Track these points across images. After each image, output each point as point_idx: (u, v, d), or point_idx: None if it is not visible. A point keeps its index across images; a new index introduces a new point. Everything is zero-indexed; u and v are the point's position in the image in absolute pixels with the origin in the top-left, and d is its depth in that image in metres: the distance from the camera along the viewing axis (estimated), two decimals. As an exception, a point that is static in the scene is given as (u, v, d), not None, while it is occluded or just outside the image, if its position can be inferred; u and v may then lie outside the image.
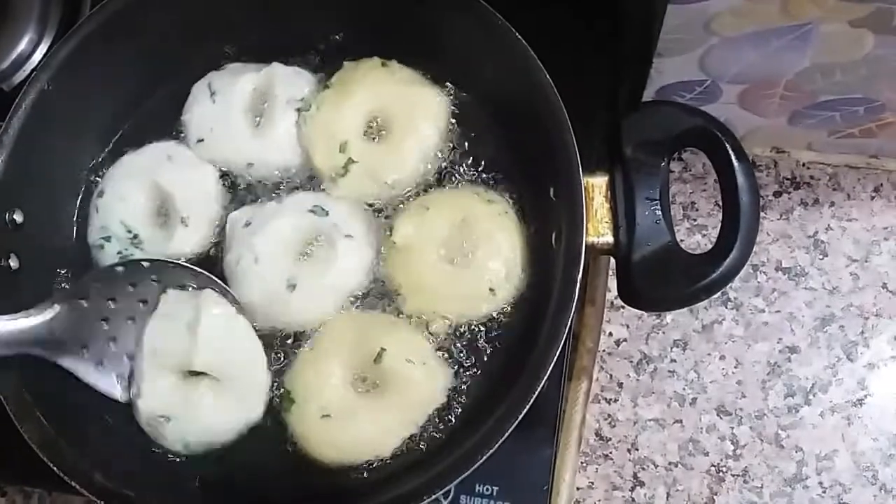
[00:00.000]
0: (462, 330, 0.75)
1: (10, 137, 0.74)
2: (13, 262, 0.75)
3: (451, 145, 0.80)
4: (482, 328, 0.75)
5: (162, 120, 0.82)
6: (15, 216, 0.75)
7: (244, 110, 0.80)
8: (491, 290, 0.73)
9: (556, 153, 0.69)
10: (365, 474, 0.72)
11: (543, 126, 0.70)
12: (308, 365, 0.74)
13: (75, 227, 0.81)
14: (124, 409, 0.75)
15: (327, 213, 0.76)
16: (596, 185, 0.69)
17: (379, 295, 0.77)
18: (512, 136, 0.77)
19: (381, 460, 0.72)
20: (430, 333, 0.75)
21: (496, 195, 0.77)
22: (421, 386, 0.72)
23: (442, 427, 0.73)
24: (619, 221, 0.68)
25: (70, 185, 0.81)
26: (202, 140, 0.80)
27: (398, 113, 0.78)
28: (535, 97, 0.70)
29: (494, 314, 0.75)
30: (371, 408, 0.72)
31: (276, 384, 0.75)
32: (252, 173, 0.80)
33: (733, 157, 0.65)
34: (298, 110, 0.80)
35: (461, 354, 0.75)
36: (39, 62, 0.79)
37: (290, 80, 0.80)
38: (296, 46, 0.83)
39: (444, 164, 0.79)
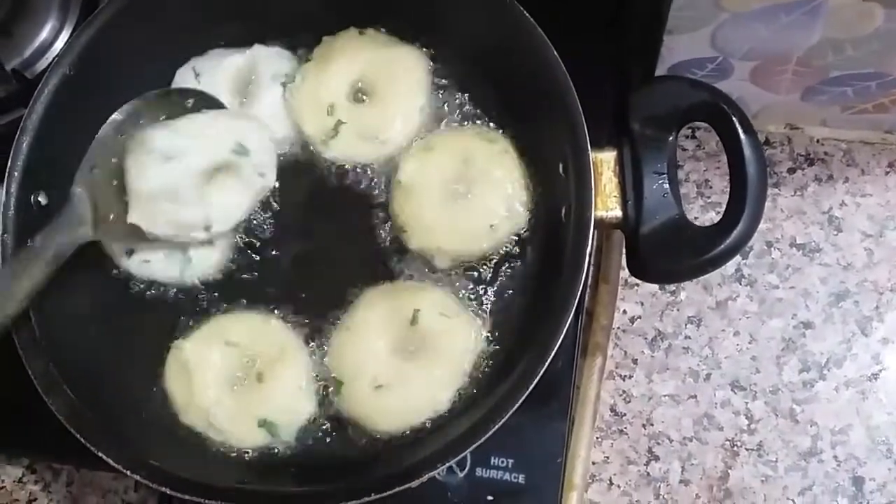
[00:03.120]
0: (472, 297, 0.77)
1: (34, 122, 0.76)
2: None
3: (459, 114, 0.81)
4: (492, 299, 0.77)
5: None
6: (40, 198, 0.77)
7: (229, 89, 0.82)
8: (491, 226, 0.75)
9: (565, 130, 0.69)
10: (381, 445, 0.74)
11: (552, 104, 0.70)
12: (348, 344, 0.76)
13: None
14: (149, 383, 0.77)
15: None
16: (604, 161, 0.70)
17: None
18: (520, 114, 0.78)
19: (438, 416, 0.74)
20: (438, 272, 0.77)
21: (498, 134, 0.78)
22: (461, 334, 0.74)
23: (455, 399, 0.74)
24: (628, 196, 0.69)
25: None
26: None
27: (379, 74, 0.81)
28: (543, 75, 0.71)
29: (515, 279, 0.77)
30: (420, 368, 0.74)
31: (317, 375, 0.76)
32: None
33: (740, 130, 0.66)
34: (283, 84, 0.82)
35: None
36: (61, 50, 0.81)
37: (272, 59, 0.83)
38: (276, 32, 0.85)
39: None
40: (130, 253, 0.79)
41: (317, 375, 0.76)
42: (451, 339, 0.74)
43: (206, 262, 0.79)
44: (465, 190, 0.76)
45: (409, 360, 0.74)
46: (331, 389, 0.75)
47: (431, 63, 0.82)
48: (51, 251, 0.71)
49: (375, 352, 0.74)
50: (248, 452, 0.75)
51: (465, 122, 0.81)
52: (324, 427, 0.76)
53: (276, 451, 0.75)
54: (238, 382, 0.76)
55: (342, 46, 0.82)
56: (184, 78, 0.83)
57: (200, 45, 0.84)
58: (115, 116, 0.78)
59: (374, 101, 0.81)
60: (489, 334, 0.76)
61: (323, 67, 0.81)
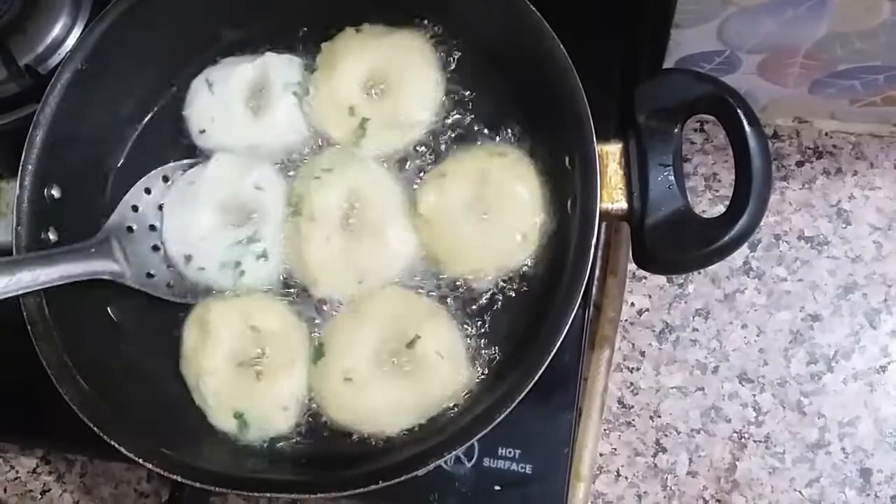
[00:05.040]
0: (478, 295, 0.77)
1: (47, 116, 0.77)
2: (52, 236, 0.78)
3: (469, 113, 0.82)
4: (500, 296, 0.77)
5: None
6: (53, 191, 0.78)
7: (242, 98, 0.83)
8: (522, 236, 0.75)
9: (571, 124, 0.70)
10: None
11: (557, 96, 0.71)
12: (346, 326, 0.77)
13: (110, 202, 0.84)
14: (160, 371, 0.79)
15: None
16: (610, 153, 0.71)
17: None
18: (526, 107, 0.79)
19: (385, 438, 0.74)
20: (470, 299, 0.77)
21: (507, 147, 0.79)
22: (444, 382, 0.74)
23: (405, 432, 0.75)
24: (633, 187, 0.69)
25: (106, 160, 0.84)
26: (204, 131, 0.83)
27: (387, 63, 0.82)
28: (549, 68, 0.71)
29: (521, 271, 0.77)
30: (390, 385, 0.74)
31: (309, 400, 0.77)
32: (256, 156, 0.82)
33: (745, 122, 0.66)
34: (295, 94, 0.82)
35: (478, 320, 0.77)
36: (73, 46, 0.82)
37: (284, 67, 0.83)
38: (278, 38, 0.86)
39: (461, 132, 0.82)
40: (188, 259, 0.80)
41: (309, 400, 0.77)
42: (433, 380, 0.74)
43: (259, 273, 0.80)
44: (489, 208, 0.76)
45: (386, 372, 0.75)
46: (310, 418, 0.76)
47: (432, 38, 0.83)
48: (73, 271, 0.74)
49: (363, 346, 0.75)
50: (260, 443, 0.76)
51: (472, 119, 0.81)
52: (312, 440, 0.76)
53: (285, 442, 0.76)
54: (241, 365, 0.77)
55: (343, 48, 0.82)
56: (198, 88, 0.84)
57: (206, 40, 0.85)
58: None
59: (390, 89, 0.82)
60: (479, 350, 0.76)
61: (330, 74, 0.82)
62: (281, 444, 0.76)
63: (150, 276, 0.79)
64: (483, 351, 0.77)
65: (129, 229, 0.80)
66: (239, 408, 0.75)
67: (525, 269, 0.77)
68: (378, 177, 0.79)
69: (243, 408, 0.75)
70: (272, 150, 0.82)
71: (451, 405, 0.74)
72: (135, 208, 0.80)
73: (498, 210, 0.76)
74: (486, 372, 0.75)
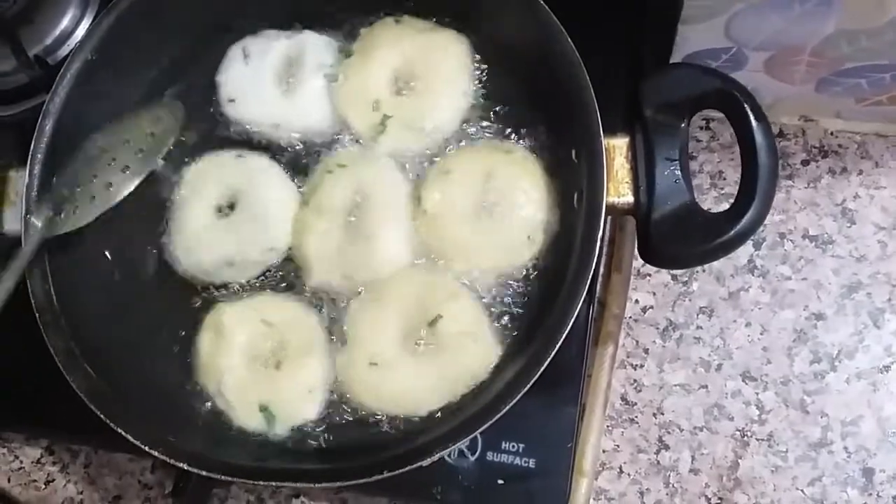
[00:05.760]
0: (483, 289, 0.77)
1: (56, 105, 0.78)
2: (61, 225, 0.78)
3: (479, 112, 0.82)
4: (505, 289, 0.77)
5: (204, 87, 0.85)
6: (62, 180, 0.79)
7: (275, 74, 0.83)
8: (528, 236, 0.75)
9: (578, 117, 0.70)
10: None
11: (565, 90, 0.71)
12: (367, 312, 0.77)
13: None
14: (169, 363, 0.79)
15: None
16: (617, 147, 0.71)
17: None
18: (534, 100, 0.79)
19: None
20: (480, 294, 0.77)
21: (513, 144, 0.78)
22: (470, 360, 0.74)
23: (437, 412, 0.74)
24: (640, 182, 0.69)
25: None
26: (233, 100, 0.83)
27: (421, 61, 0.81)
28: (557, 62, 0.71)
29: (525, 270, 0.77)
30: (417, 367, 0.74)
31: (333, 383, 0.77)
32: (277, 134, 0.83)
33: (751, 117, 0.66)
34: (326, 77, 0.82)
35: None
36: (83, 36, 0.82)
37: (319, 48, 0.83)
38: (315, 19, 0.85)
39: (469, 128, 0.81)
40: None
41: (333, 383, 0.77)
42: (459, 359, 0.74)
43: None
44: (494, 206, 0.76)
45: (412, 354, 0.75)
46: (335, 397, 0.76)
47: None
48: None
49: (386, 330, 0.75)
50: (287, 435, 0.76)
51: (479, 115, 0.81)
52: (319, 430, 0.76)
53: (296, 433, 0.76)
54: (259, 361, 0.77)
55: (380, 37, 0.82)
56: (234, 57, 0.84)
57: (216, 31, 0.85)
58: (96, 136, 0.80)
59: (418, 89, 0.81)
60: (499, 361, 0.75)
61: (364, 62, 0.81)
62: (293, 435, 0.76)
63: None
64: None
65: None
66: (263, 400, 0.75)
67: (531, 262, 0.77)
68: (390, 180, 0.79)
69: (267, 399, 0.75)
70: (294, 128, 0.82)
71: (480, 382, 0.74)
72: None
73: (503, 209, 0.76)
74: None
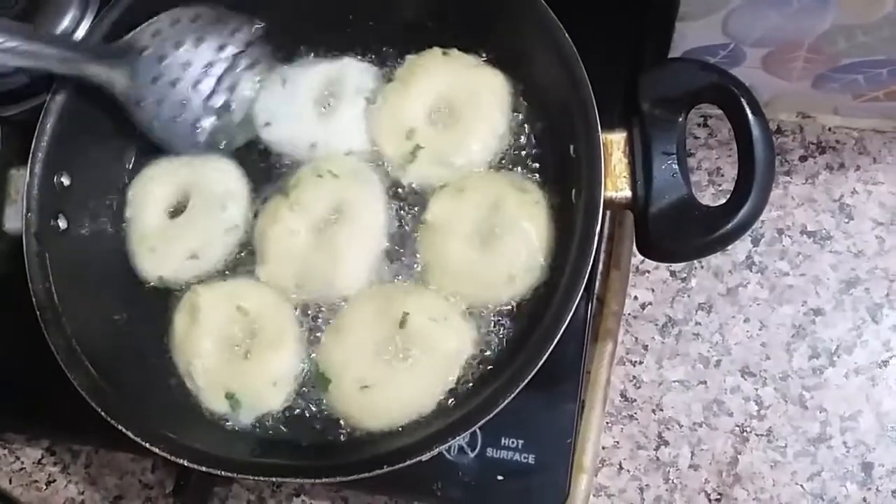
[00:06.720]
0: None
1: (58, 104, 0.78)
2: (62, 223, 0.79)
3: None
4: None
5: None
6: (63, 179, 0.79)
7: (313, 97, 0.83)
8: (511, 277, 0.74)
9: (576, 112, 0.70)
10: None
11: (563, 85, 0.71)
12: (336, 342, 0.77)
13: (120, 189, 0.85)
14: (166, 359, 0.79)
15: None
16: (614, 141, 0.71)
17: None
18: (531, 95, 0.79)
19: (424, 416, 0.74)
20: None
21: (531, 185, 0.78)
22: (448, 340, 0.75)
23: (442, 401, 0.75)
24: (637, 176, 0.70)
25: (116, 148, 0.85)
26: (269, 124, 0.83)
27: (461, 96, 0.80)
28: (554, 57, 0.72)
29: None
30: (407, 371, 0.74)
31: (304, 369, 0.78)
32: (313, 155, 0.82)
33: (748, 111, 0.66)
34: (367, 99, 0.82)
35: (481, 310, 0.77)
36: (84, 36, 0.83)
37: (360, 72, 0.83)
38: (357, 46, 0.86)
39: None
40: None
41: (300, 375, 0.77)
42: (439, 344, 0.74)
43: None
44: (490, 237, 0.76)
45: (396, 362, 0.75)
46: (306, 390, 0.77)
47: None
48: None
49: (363, 352, 0.75)
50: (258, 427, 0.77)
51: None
52: (318, 427, 0.77)
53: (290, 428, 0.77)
54: (230, 347, 0.77)
55: (425, 67, 0.81)
56: (270, 83, 0.84)
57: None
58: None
59: (454, 124, 0.80)
60: (483, 337, 0.76)
61: (405, 90, 0.81)
62: (286, 428, 0.77)
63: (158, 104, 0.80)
64: (486, 336, 0.77)
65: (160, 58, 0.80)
66: (230, 387, 0.76)
67: (507, 305, 0.77)
68: (374, 208, 0.79)
69: (234, 388, 0.76)
70: (330, 150, 0.82)
71: (476, 363, 0.75)
72: (157, 33, 0.80)
73: (499, 244, 0.75)
74: (490, 359, 0.75)
